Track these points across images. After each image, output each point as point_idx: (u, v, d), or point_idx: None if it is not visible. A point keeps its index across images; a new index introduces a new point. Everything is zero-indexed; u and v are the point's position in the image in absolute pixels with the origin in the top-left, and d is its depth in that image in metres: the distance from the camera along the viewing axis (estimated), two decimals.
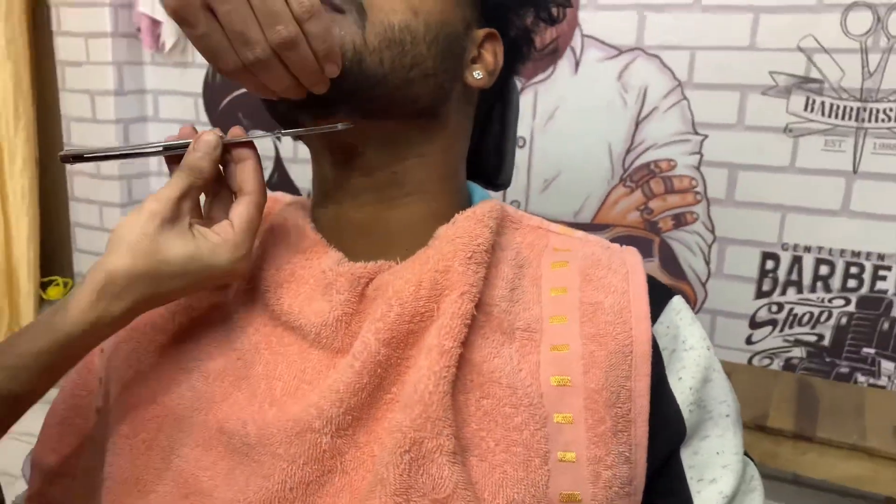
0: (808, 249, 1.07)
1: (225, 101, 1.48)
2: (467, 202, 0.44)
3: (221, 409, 0.38)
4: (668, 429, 0.38)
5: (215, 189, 0.40)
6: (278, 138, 0.39)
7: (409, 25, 0.38)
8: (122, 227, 0.37)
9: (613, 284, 0.39)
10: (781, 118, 1.05)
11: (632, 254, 0.42)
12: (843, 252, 1.05)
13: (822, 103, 1.03)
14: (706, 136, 1.10)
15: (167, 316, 0.42)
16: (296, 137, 0.41)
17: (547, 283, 0.40)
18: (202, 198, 0.40)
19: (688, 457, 0.38)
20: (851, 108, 1.01)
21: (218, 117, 1.49)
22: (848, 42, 1.00)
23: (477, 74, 0.42)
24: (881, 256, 1.03)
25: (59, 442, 0.45)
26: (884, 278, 1.03)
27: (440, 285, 0.37)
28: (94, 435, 0.44)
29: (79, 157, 0.38)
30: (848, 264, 1.05)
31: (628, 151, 1.16)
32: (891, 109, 1.00)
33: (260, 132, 0.41)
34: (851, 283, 1.05)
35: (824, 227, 1.05)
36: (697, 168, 1.12)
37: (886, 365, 1.05)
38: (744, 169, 1.09)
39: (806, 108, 1.04)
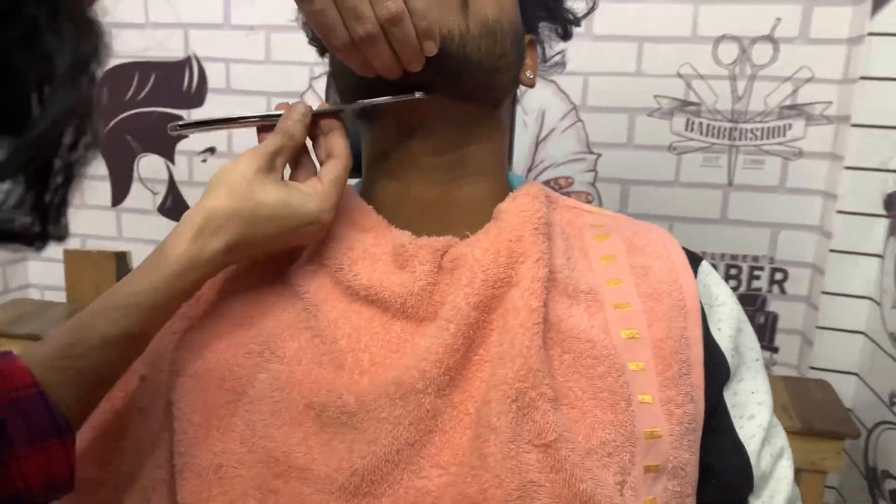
0: None
1: (113, 122, 1.41)
2: (510, 186, 0.48)
3: (305, 385, 0.39)
4: (717, 372, 0.43)
5: (300, 160, 0.43)
6: (363, 110, 0.40)
7: (499, 20, 0.42)
8: (220, 172, 0.40)
9: (657, 251, 0.44)
10: (666, 137, 1.16)
11: (659, 227, 0.48)
12: (723, 256, 1.17)
13: (700, 124, 1.15)
14: (600, 155, 1.20)
15: (230, 302, 0.43)
16: (372, 110, 0.44)
17: (595, 253, 0.44)
18: (287, 170, 0.43)
19: (729, 397, 0.44)
20: (725, 128, 1.14)
21: (105, 137, 1.41)
22: (719, 70, 1.13)
23: (529, 74, 0.47)
24: (755, 258, 1.17)
25: (94, 451, 0.43)
26: (758, 277, 1.17)
27: (515, 253, 0.40)
28: (140, 435, 0.42)
29: (186, 126, 0.43)
30: (728, 266, 1.18)
31: (529, 170, 1.23)
32: (757, 129, 1.13)
33: (345, 105, 0.44)
34: (732, 283, 1.17)
35: (706, 233, 1.17)
36: (593, 184, 1.21)
37: (764, 354, 1.19)
38: (634, 184, 1.19)
39: (686, 129, 1.16)
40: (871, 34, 1.01)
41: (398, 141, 0.44)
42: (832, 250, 1.08)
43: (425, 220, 0.44)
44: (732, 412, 0.44)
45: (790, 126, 1.12)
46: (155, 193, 1.41)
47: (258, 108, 1.32)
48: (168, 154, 1.39)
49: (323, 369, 0.40)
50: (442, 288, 0.41)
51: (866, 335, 1.07)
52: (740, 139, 1.14)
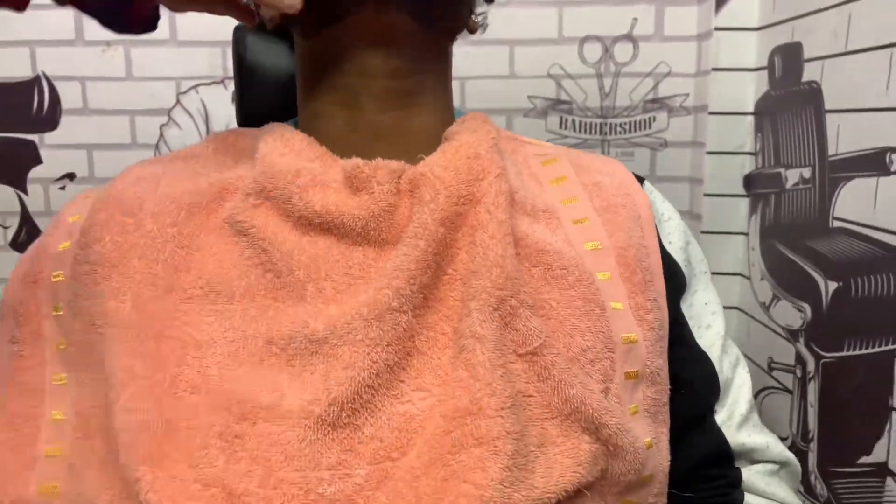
0: None
1: None
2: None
3: (262, 322, 0.35)
4: (675, 282, 0.43)
5: None
6: (316, 18, 0.40)
7: None
8: None
9: (604, 169, 0.45)
10: (542, 136, 1.20)
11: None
12: None
13: (573, 121, 1.20)
14: None
15: (159, 245, 0.40)
16: (330, 19, 0.42)
17: (544, 177, 0.44)
18: None
19: (686, 309, 0.45)
20: (596, 124, 1.20)
21: None
22: (586, 69, 1.18)
23: (475, 18, 0.48)
24: None
25: None
26: None
27: (475, 170, 0.40)
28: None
29: None
30: None
31: None
32: (625, 123, 1.19)
33: None
34: None
35: None
36: None
37: None
38: None
39: (561, 126, 1.20)
40: (717, 29, 1.10)
41: (352, 62, 0.42)
42: (703, 231, 1.15)
43: (382, 146, 0.43)
44: (690, 323, 0.45)
45: (654, 118, 1.19)
46: (6, 227, 1.29)
47: (121, 128, 1.25)
48: (19, 184, 1.28)
49: (281, 303, 0.37)
50: (402, 210, 0.40)
51: (740, 309, 1.14)
52: (611, 133, 1.19)
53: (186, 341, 0.36)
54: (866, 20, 0.76)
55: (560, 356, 0.36)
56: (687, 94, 1.18)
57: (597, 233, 0.42)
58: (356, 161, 0.40)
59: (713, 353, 0.44)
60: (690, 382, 0.43)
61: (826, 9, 0.85)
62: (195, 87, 1.24)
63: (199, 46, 1.22)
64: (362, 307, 0.35)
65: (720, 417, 0.44)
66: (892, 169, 0.71)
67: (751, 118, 1.10)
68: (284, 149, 0.42)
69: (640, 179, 0.48)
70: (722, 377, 0.44)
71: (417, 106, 0.43)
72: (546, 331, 0.36)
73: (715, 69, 1.10)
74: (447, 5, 0.42)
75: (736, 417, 0.44)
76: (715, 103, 1.11)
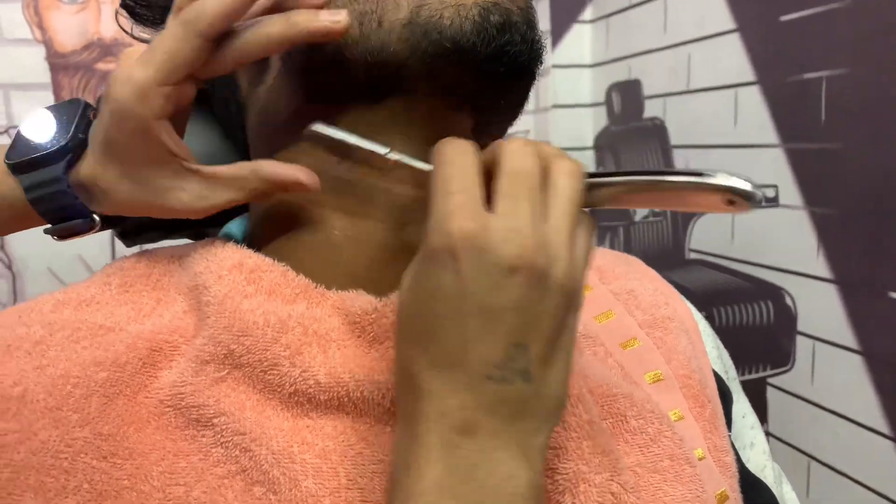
0: None
1: None
2: None
3: None
4: (725, 403, 0.36)
5: None
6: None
7: None
8: None
9: (627, 272, 0.37)
10: None
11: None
12: None
13: None
14: None
15: (64, 462, 0.26)
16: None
17: None
18: None
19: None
20: None
21: None
22: None
23: None
24: None
25: None
26: None
27: None
28: None
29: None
30: None
31: None
32: None
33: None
34: None
35: None
36: None
37: None
38: None
39: None
40: (554, 66, 1.11)
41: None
42: None
43: (386, 275, 0.31)
44: (736, 444, 0.37)
45: None
46: None
47: None
48: None
49: None
50: None
51: None
52: None
53: None
54: (707, 61, 0.79)
55: None
56: (528, 131, 1.19)
57: (653, 359, 0.34)
58: (363, 299, 0.30)
59: (767, 478, 0.37)
60: None
61: (662, 48, 0.88)
62: None
63: None
64: None
65: None
66: None
67: (591, 153, 1.12)
68: (249, 286, 0.30)
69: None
70: (783, 502, 0.39)
71: (421, 217, 0.32)
72: None
73: (555, 105, 1.12)
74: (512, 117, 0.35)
75: None
76: (556, 139, 1.13)
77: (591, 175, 0.28)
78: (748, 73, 0.71)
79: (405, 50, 0.29)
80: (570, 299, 0.25)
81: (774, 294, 0.70)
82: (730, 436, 0.36)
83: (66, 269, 0.97)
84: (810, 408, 0.67)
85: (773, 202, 0.69)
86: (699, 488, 0.31)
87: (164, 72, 0.28)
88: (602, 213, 1.11)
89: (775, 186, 0.69)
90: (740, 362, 0.76)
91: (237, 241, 0.34)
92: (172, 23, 0.29)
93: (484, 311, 0.23)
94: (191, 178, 0.31)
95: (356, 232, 0.32)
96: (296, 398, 0.28)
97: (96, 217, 0.34)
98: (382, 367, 0.28)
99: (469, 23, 0.29)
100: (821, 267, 0.63)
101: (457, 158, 0.26)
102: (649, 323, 0.36)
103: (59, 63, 0.96)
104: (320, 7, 0.29)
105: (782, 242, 0.68)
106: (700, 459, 0.32)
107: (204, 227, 0.44)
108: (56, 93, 0.96)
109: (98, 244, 0.97)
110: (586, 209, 0.28)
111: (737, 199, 0.25)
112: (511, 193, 0.25)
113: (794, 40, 0.65)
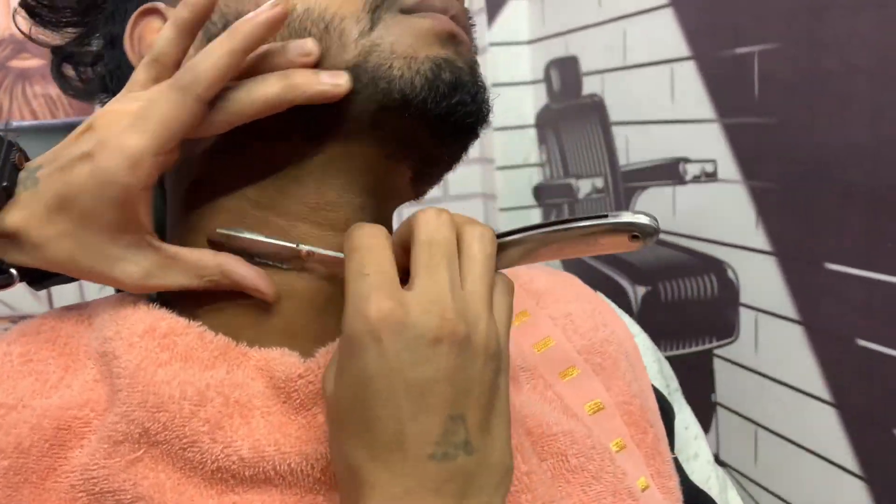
0: None
1: None
2: None
3: None
4: (667, 419, 0.36)
5: None
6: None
7: None
8: None
9: (565, 295, 0.36)
10: None
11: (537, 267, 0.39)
12: None
13: None
14: None
15: None
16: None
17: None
18: None
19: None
20: None
21: None
22: None
23: None
24: None
25: None
26: None
27: None
28: None
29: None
30: None
31: None
32: None
33: None
34: None
35: None
36: None
37: None
38: None
39: None
40: (491, 44, 1.10)
41: (315, 190, 0.30)
42: None
43: (312, 328, 0.30)
44: (679, 457, 0.37)
45: None
46: None
47: None
48: None
49: None
50: None
51: None
52: None
53: None
54: (642, 36, 0.79)
55: None
56: None
57: (593, 387, 0.33)
58: (288, 360, 0.28)
59: (713, 489, 0.36)
60: None
61: (598, 24, 0.88)
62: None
63: None
64: None
65: None
66: (687, 178, 0.74)
67: (533, 131, 1.11)
68: (162, 353, 0.28)
69: (594, 290, 0.41)
70: None
71: None
72: None
73: (495, 84, 1.10)
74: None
75: None
76: (499, 118, 1.12)
77: (501, 235, 0.29)
78: (683, 49, 0.71)
79: (348, 93, 0.28)
80: (497, 361, 0.25)
81: (717, 267, 0.71)
82: (674, 457, 0.36)
83: None
84: (755, 377, 0.69)
85: (712, 177, 0.70)
86: None
87: (161, 140, 0.27)
88: (547, 189, 1.11)
89: (714, 161, 0.69)
90: (687, 335, 0.77)
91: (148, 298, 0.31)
92: (165, 87, 0.27)
93: (414, 386, 0.23)
94: (147, 253, 0.29)
95: (282, 282, 0.31)
96: (219, 475, 0.26)
97: (14, 272, 0.30)
98: (310, 435, 0.27)
99: (421, 78, 0.28)
100: (760, 240, 0.64)
101: (366, 241, 0.26)
102: (588, 349, 0.35)
103: None
104: (314, 65, 0.28)
105: (723, 217, 0.69)
106: (644, 490, 0.32)
107: None
108: None
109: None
110: (502, 270, 0.28)
111: (640, 234, 0.27)
112: (428, 263, 0.25)
113: (726, 14, 0.65)
